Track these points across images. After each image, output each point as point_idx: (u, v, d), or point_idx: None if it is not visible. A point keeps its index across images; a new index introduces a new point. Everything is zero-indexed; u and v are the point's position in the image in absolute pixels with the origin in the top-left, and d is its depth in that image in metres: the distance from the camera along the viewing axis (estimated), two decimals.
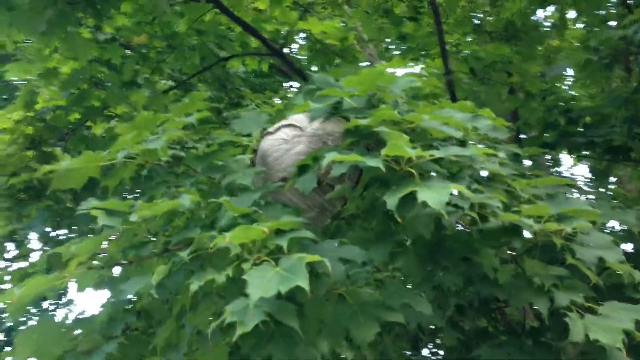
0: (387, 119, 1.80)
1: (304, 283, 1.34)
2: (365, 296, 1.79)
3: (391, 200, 1.51)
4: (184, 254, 1.59)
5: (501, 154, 1.85)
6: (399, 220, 1.56)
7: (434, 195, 1.45)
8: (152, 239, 1.82)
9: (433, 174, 1.65)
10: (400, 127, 1.91)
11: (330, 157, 1.59)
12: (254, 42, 4.98)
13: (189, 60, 4.45)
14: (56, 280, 1.71)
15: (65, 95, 3.84)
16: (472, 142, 1.89)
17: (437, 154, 1.62)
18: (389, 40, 5.28)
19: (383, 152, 1.54)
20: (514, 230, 1.94)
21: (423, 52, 5.03)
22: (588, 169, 5.45)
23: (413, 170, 1.62)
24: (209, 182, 2.09)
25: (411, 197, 1.55)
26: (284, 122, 2.16)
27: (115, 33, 4.13)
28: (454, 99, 4.49)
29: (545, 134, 5.08)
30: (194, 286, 1.53)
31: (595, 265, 1.88)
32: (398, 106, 1.99)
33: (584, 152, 5.17)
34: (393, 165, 1.71)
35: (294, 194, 2.08)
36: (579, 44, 5.15)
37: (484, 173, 2.18)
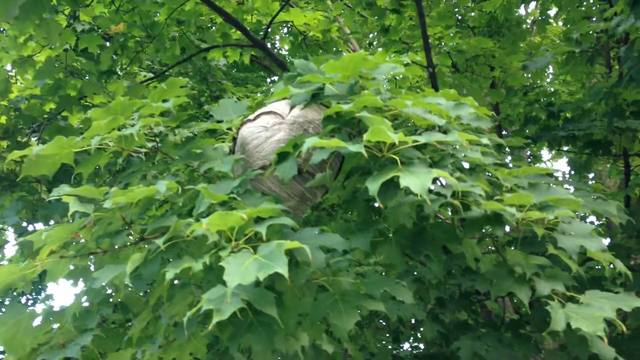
0: (370, 106, 1.76)
1: (283, 270, 1.30)
2: (346, 285, 1.77)
3: (372, 186, 1.47)
4: (160, 241, 1.54)
5: (484, 141, 1.82)
6: (381, 206, 1.52)
7: (417, 181, 1.42)
8: (127, 227, 1.76)
9: (416, 162, 1.62)
10: (383, 114, 1.88)
11: (310, 142, 1.55)
12: (235, 34, 4.92)
13: (169, 50, 4.38)
14: (26, 270, 1.65)
15: (40, 84, 3.75)
16: (456, 131, 1.86)
17: (420, 139, 1.59)
18: (371, 35, 5.24)
19: (365, 137, 1.50)
20: (496, 219, 1.92)
21: (405, 45, 5.00)
22: (567, 164, 5.48)
23: (396, 157, 1.59)
24: (187, 170, 2.04)
25: (393, 183, 1.52)
26: (264, 109, 2.12)
27: (92, 23, 4.04)
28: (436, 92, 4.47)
29: (525, 129, 5.10)
30: (169, 274, 1.48)
31: (576, 254, 1.87)
32: (380, 93, 1.96)
33: (565, 147, 5.20)
34: (375, 152, 1.68)
35: (274, 182, 2.04)
36: (559, 40, 5.16)
37: (466, 164, 2.16)
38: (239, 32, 4.69)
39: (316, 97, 1.96)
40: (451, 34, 4.99)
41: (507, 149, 3.80)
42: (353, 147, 1.51)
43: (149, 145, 2.11)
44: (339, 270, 1.84)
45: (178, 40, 4.47)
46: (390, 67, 1.95)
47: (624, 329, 1.72)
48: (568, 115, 5.02)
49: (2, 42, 3.72)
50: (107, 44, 4.07)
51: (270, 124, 2.05)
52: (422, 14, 4.20)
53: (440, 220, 2.05)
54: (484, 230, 1.99)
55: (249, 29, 4.67)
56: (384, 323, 4.59)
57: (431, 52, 4.59)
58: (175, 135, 2.22)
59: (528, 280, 1.89)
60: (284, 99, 2.06)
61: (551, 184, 2.10)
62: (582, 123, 4.74)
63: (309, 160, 1.91)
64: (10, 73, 3.70)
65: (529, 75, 6.09)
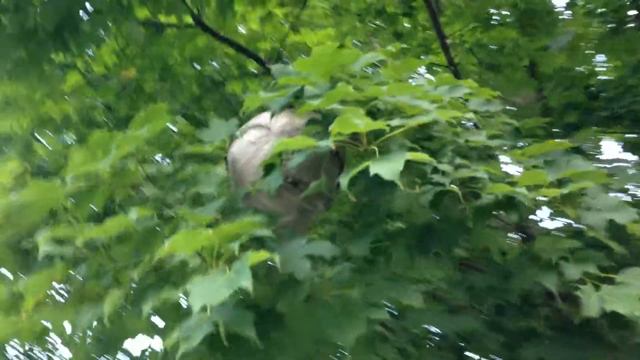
0: (346, 99, 1.64)
1: (247, 283, 1.18)
2: (347, 297, 1.62)
3: (344, 180, 1.34)
4: (135, 273, 1.45)
5: (469, 115, 1.65)
6: (352, 198, 1.39)
7: (387, 166, 1.28)
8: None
9: (394, 149, 1.47)
10: (369, 107, 1.75)
11: (277, 145, 1.44)
12: (251, 64, 4.89)
13: (186, 89, 4.38)
14: (14, 326, 1.58)
15: (61, 141, 3.80)
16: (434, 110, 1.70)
17: (392, 123, 1.44)
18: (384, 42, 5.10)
19: (331, 128, 1.37)
20: (509, 203, 1.74)
21: (422, 48, 4.84)
22: (620, 146, 5.14)
23: (375, 148, 1.46)
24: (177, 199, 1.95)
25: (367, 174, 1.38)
26: (250, 123, 2.02)
27: (105, 72, 4.09)
28: None
29: (565, 115, 4.83)
30: (146, 308, 1.39)
31: (603, 229, 1.67)
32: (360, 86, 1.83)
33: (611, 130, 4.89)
34: (354, 145, 1.55)
35: (268, 198, 1.93)
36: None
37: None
38: (254, 62, 4.66)
39: (296, 100, 1.85)
40: (470, 28, 4.79)
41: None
42: (322, 143, 1.39)
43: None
44: (343, 281, 1.69)
45: (194, 78, 4.47)
46: (371, 57, 1.82)
47: None
48: (610, 93, 4.73)
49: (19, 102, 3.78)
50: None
51: (256, 137, 1.95)
52: (432, 12, 4.05)
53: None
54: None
55: (263, 56, 4.64)
56: (443, 341, 4.33)
57: (450, 50, 4.43)
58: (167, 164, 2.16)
59: (555, 266, 1.70)
60: (262, 109, 1.96)
61: (572, 160, 1.91)
62: (624, 100, 4.46)
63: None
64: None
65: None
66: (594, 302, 1.54)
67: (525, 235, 2.45)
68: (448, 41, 4.98)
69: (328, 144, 1.36)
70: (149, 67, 4.05)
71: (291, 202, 1.93)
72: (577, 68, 5.53)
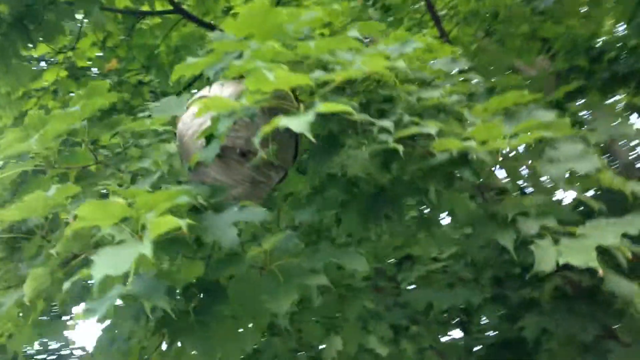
0: (280, 59, 1.54)
1: (146, 250, 1.10)
2: (289, 265, 1.53)
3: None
4: (54, 251, 1.39)
5: (400, 63, 1.54)
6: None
7: (298, 119, 1.19)
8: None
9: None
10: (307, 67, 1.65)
11: (198, 110, 1.35)
12: None
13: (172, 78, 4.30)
14: None
15: None
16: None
17: (314, 76, 1.34)
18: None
19: (244, 84, 1.29)
20: (462, 160, 1.63)
21: (413, 21, 4.70)
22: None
23: (302, 106, 1.36)
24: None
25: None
26: (195, 96, 1.95)
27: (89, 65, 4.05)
28: None
29: (569, 79, 4.66)
30: (66, 285, 1.32)
31: (563, 181, 1.55)
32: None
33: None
34: (286, 107, 1.46)
35: (218, 171, 1.85)
36: None
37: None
38: None
39: None
40: None
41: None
42: (237, 105, 1.30)
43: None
44: (288, 250, 1.61)
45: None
46: (311, 15, 1.72)
47: (629, 255, 1.38)
48: (612, 55, 4.55)
49: None
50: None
51: None
52: None
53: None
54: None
55: None
56: (443, 315, 4.24)
57: (443, 22, 4.30)
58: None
59: (512, 222, 1.58)
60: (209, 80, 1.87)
61: (533, 111, 1.78)
62: (628, 61, 4.30)
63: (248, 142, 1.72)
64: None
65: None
66: (549, 255, 1.43)
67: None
68: (441, 13, 4.85)
69: (245, 103, 1.27)
70: (132, 57, 4.00)
71: (241, 174, 1.84)
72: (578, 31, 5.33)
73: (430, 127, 1.57)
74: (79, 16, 3.52)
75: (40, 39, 2.82)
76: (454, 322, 4.20)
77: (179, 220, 1.17)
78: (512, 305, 3.13)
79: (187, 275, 1.55)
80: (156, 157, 1.77)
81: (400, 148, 1.48)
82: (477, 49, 4.69)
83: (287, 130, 1.87)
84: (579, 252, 1.37)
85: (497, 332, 3.80)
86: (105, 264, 1.15)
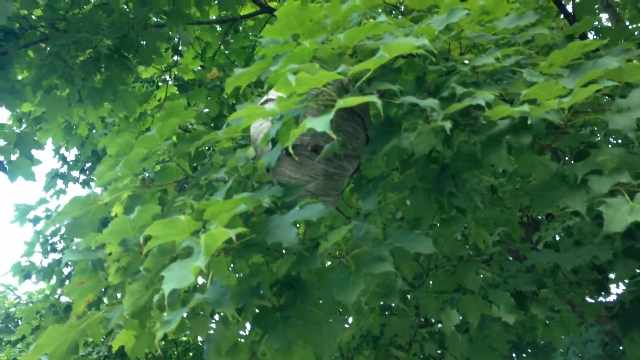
0: (322, 55, 1.59)
1: (199, 262, 1.20)
2: (360, 254, 1.57)
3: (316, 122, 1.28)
4: (144, 265, 1.54)
5: (421, 41, 1.49)
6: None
7: (319, 118, 1.23)
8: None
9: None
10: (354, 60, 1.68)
11: (245, 118, 1.44)
12: None
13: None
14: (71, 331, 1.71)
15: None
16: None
17: (340, 70, 1.36)
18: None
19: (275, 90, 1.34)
20: (522, 124, 1.57)
21: None
22: None
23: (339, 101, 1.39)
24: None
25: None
26: (263, 99, 2.03)
27: (194, 78, 4.31)
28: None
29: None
30: (155, 297, 1.47)
31: (633, 131, 1.44)
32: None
33: None
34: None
35: (291, 169, 1.92)
36: None
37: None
38: None
39: None
40: None
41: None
42: (268, 112, 1.36)
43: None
44: (359, 240, 1.65)
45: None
46: (347, 5, 1.73)
47: None
48: None
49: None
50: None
51: None
52: None
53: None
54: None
55: None
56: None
57: None
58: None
59: (583, 182, 1.50)
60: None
61: (599, 60, 1.66)
62: None
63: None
64: None
65: None
66: (621, 214, 1.35)
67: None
68: None
69: (275, 110, 1.34)
70: (232, 62, 4.19)
71: (314, 169, 1.90)
72: None
73: (479, 98, 1.53)
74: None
75: (138, 63, 3.07)
76: (587, 281, 3.99)
77: (227, 230, 1.26)
78: None
79: (270, 275, 1.64)
80: (232, 163, 1.87)
81: (448, 125, 1.47)
82: None
83: (351, 119, 1.92)
84: None
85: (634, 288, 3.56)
86: (173, 278, 1.27)
